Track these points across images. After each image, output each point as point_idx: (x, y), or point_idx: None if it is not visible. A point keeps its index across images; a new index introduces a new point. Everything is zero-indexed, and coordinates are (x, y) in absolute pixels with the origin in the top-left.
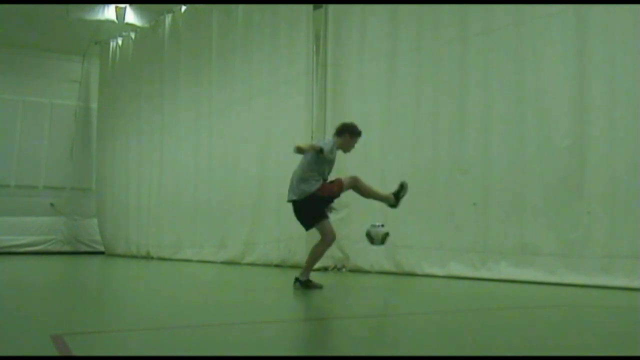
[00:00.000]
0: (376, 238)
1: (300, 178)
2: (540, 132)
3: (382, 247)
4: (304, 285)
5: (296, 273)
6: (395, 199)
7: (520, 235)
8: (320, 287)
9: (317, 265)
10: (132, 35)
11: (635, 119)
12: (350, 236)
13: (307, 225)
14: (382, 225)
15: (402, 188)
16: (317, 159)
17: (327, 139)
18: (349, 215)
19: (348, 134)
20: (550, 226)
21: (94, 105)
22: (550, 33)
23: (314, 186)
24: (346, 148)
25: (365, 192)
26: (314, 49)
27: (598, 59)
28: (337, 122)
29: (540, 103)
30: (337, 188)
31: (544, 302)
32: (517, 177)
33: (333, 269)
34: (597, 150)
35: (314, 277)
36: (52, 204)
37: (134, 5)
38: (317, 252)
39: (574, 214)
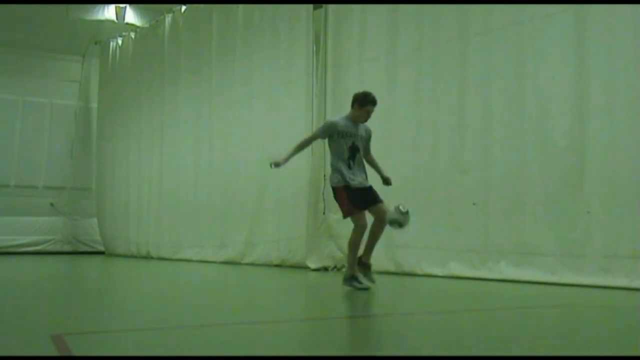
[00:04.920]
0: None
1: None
2: (540, 131)
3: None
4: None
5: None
6: (350, 279)
7: (520, 235)
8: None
9: (317, 265)
10: (132, 35)
11: (635, 119)
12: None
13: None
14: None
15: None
16: (330, 143)
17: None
18: None
19: (356, 104)
20: (550, 226)
21: (94, 105)
22: (550, 33)
23: (332, 180)
24: (358, 119)
25: (354, 248)
26: (314, 49)
27: (598, 59)
28: None
29: (540, 103)
30: (351, 217)
31: (544, 302)
32: (517, 177)
33: (333, 268)
34: (597, 150)
35: (316, 276)
36: (52, 204)
37: (134, 5)
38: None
39: (573, 214)
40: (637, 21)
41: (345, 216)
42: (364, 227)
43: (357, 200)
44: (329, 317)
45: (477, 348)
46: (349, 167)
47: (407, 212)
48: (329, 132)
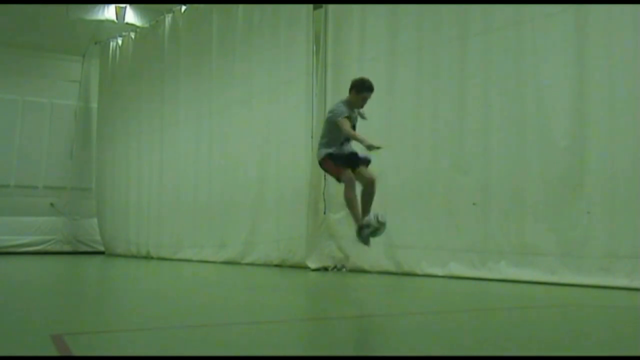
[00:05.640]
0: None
1: (319, 142)
2: (540, 131)
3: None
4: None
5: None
6: (360, 230)
7: (520, 235)
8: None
9: (317, 265)
10: (132, 35)
11: (635, 119)
12: (350, 236)
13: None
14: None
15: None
16: (329, 126)
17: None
18: (349, 216)
19: (354, 90)
20: (550, 226)
21: (94, 105)
22: (550, 33)
23: (319, 155)
24: (354, 105)
25: (350, 203)
26: (314, 49)
27: (598, 59)
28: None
29: (540, 103)
30: (339, 176)
31: (544, 302)
32: (517, 177)
33: (333, 268)
34: (597, 150)
35: (316, 276)
36: (52, 204)
37: (134, 5)
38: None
39: (573, 214)
40: (637, 21)
41: (338, 179)
42: (352, 179)
43: (340, 161)
44: (329, 317)
45: (477, 348)
46: (341, 145)
47: (384, 223)
48: (333, 115)
